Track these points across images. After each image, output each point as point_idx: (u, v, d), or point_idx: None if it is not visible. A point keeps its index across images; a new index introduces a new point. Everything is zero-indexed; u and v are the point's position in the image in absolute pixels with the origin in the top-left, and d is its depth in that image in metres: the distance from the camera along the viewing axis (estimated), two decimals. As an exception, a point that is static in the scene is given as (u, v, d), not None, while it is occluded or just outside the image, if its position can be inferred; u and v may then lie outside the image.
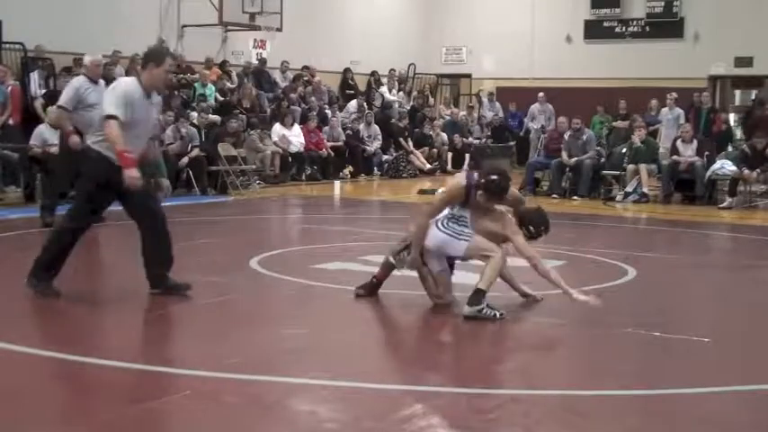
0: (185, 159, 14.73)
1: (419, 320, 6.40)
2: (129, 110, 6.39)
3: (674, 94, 18.48)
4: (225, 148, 15.94)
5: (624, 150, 15.95)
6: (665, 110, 18.49)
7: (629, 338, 5.97)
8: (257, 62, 20.36)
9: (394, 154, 20.29)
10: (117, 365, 5.03)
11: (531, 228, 6.51)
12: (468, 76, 26.21)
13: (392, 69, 23.31)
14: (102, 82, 10.43)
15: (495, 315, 6.12)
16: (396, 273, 6.73)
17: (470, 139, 22.20)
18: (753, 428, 4.40)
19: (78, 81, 10.56)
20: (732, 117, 23.26)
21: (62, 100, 10.49)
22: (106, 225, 11.50)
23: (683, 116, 17.99)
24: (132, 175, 6.37)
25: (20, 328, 5.84)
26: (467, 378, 5.10)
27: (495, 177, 6.34)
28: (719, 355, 5.70)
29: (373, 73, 22.98)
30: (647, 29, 23.56)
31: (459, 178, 6.64)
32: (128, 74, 16.95)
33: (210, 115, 16.89)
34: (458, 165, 20.83)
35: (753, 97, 23.64)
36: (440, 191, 6.97)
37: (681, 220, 13.25)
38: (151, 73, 6.56)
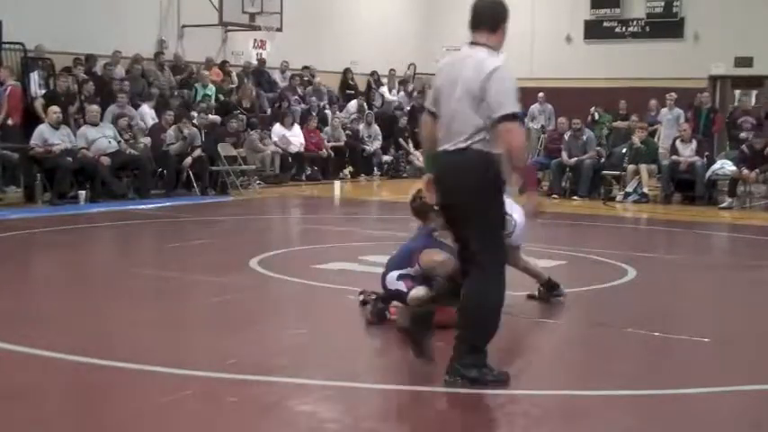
0: (188, 160, 14.72)
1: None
2: None
3: (674, 95, 18.48)
4: (225, 149, 15.95)
5: (624, 150, 15.96)
6: (664, 110, 18.48)
7: (629, 338, 5.97)
8: (257, 62, 20.35)
9: (393, 154, 20.29)
10: (117, 366, 5.03)
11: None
12: (468, 76, 26.18)
13: (392, 69, 23.31)
14: None
15: None
16: None
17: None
18: (753, 428, 4.40)
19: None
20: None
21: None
22: (100, 226, 11.54)
23: (683, 116, 18.00)
24: (538, 206, 4.76)
25: (20, 329, 5.83)
26: (467, 378, 5.09)
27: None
28: (719, 355, 5.70)
29: (373, 73, 22.95)
30: (647, 29, 23.54)
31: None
32: (128, 73, 17.02)
33: (210, 115, 16.89)
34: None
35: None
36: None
37: (681, 220, 13.25)
38: (503, 35, 4.75)
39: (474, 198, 4.59)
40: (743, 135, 16.82)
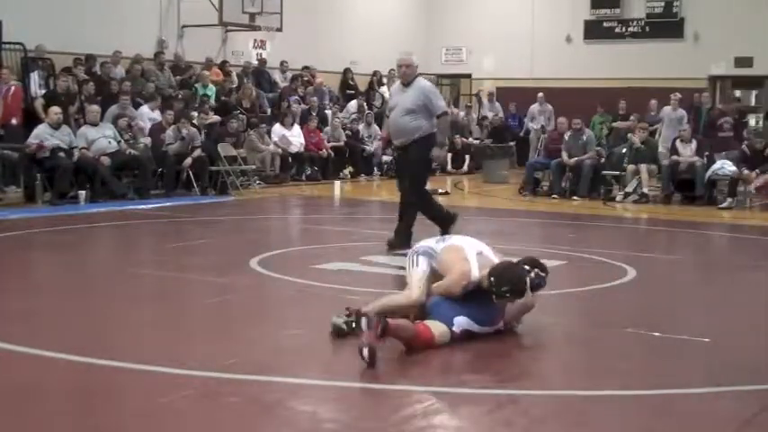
0: (188, 160, 14.72)
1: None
2: None
3: (678, 95, 18.43)
4: (225, 149, 15.95)
5: (624, 150, 15.97)
6: (668, 108, 18.40)
7: (629, 338, 5.96)
8: (257, 62, 20.35)
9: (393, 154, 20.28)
10: (117, 366, 5.03)
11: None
12: (468, 76, 26.22)
13: (392, 69, 23.31)
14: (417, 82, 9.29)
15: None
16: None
17: (470, 139, 22.21)
18: (753, 428, 4.40)
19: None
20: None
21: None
22: (100, 226, 11.54)
23: (686, 117, 17.99)
24: None
25: (21, 329, 5.84)
26: (466, 378, 5.10)
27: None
28: (719, 355, 5.69)
29: (375, 73, 22.94)
30: (647, 29, 23.57)
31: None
32: (128, 73, 17.02)
33: (211, 115, 16.88)
34: (458, 165, 20.85)
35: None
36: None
37: (681, 220, 13.25)
38: None
39: None
40: (722, 135, 16.94)
